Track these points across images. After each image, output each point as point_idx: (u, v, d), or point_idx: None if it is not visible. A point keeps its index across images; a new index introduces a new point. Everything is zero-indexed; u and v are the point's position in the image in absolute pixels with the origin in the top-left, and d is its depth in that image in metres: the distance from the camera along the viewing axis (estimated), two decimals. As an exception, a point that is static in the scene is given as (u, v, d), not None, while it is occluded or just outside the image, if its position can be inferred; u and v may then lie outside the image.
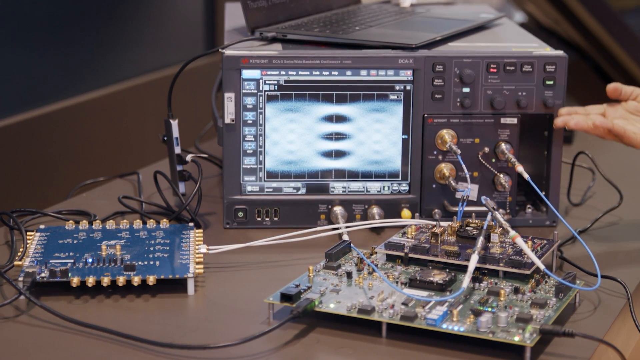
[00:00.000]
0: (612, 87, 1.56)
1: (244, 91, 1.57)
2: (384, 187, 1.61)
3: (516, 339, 1.20)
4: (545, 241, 1.42)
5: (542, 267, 1.31)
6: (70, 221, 1.52)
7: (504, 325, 1.22)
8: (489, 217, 1.38)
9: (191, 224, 1.53)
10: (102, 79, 2.52)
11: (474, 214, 1.46)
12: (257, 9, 1.64)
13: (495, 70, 1.57)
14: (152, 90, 2.59)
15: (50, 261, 1.39)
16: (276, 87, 1.57)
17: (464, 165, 1.57)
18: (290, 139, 1.59)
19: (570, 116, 1.54)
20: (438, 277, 1.33)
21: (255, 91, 1.57)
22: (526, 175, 1.52)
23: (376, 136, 1.60)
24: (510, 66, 1.57)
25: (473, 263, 1.31)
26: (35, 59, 2.34)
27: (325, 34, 1.62)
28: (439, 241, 1.41)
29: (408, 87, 1.58)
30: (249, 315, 1.30)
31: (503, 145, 1.59)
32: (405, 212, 1.61)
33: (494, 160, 1.60)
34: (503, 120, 1.59)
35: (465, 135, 1.59)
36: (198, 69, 2.48)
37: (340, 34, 1.62)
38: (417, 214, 1.56)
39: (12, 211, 1.57)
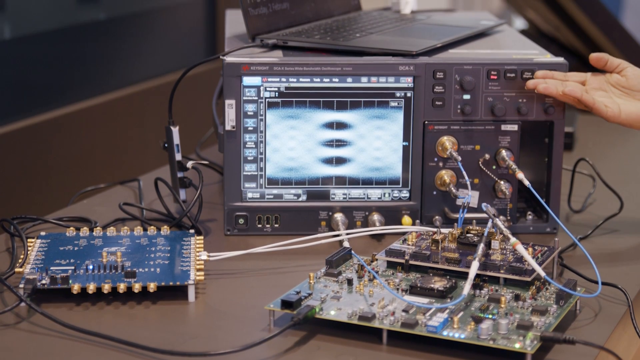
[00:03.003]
0: (596, 57, 1.49)
1: (244, 98, 1.57)
2: (384, 193, 1.61)
3: (517, 346, 1.20)
4: (546, 248, 1.42)
5: (542, 274, 1.31)
6: (71, 228, 1.52)
7: (505, 332, 1.22)
8: (489, 224, 1.38)
9: (192, 231, 1.53)
10: (103, 85, 2.52)
11: (474, 221, 1.46)
12: (257, 16, 1.64)
13: (495, 77, 1.57)
14: (153, 97, 2.59)
15: (51, 268, 1.39)
16: (277, 93, 1.57)
17: (464, 172, 1.57)
18: (291, 145, 1.59)
19: (543, 80, 1.48)
20: (439, 284, 1.33)
21: (256, 98, 1.57)
22: (527, 182, 1.52)
23: (377, 143, 1.60)
24: (510, 73, 1.57)
25: (474, 270, 1.31)
26: (35, 65, 2.34)
27: (325, 41, 1.62)
28: (440, 248, 1.41)
29: (409, 94, 1.58)
30: (250, 322, 1.30)
31: (504, 152, 1.59)
32: (406, 219, 1.61)
33: (494, 167, 1.60)
34: (504, 127, 1.59)
35: (466, 142, 1.59)
36: (199, 75, 2.48)
37: (340, 40, 1.62)
38: (417, 221, 1.56)
39: (13, 218, 1.57)
